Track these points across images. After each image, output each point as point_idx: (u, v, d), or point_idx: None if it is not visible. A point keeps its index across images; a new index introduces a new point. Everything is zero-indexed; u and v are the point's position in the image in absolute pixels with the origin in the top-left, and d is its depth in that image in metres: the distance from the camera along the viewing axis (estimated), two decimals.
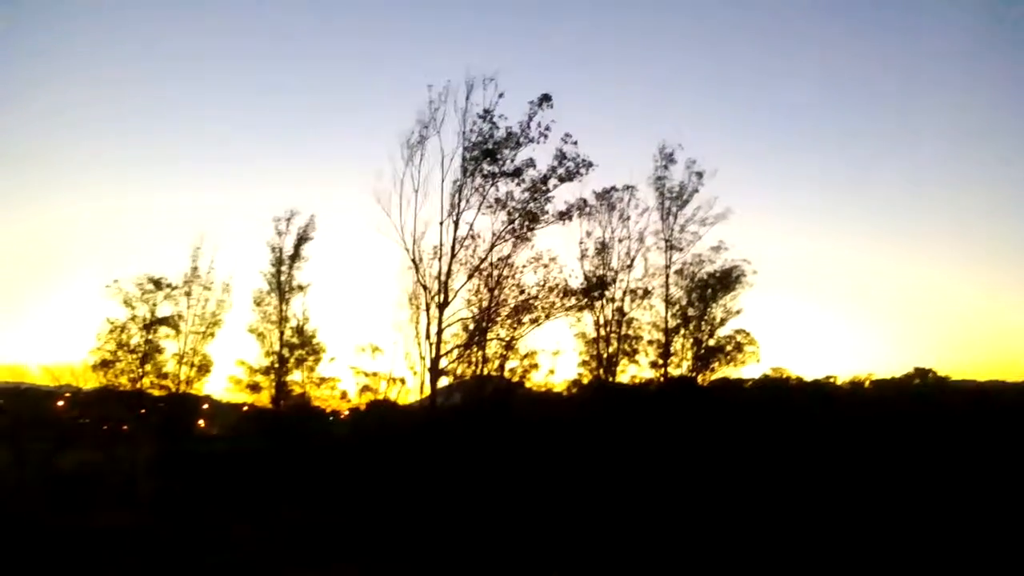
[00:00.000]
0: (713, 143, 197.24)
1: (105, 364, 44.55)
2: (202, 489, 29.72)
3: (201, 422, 61.64)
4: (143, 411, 47.54)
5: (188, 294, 45.81)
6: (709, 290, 44.94)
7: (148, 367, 45.06)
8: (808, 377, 79.89)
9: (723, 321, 45.80)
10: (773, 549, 18.57)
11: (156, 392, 46.40)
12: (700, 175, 43.65)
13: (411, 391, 41.97)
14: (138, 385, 45.31)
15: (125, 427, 47.78)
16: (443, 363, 34.83)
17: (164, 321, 45.24)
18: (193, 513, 23.47)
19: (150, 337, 45.02)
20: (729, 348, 45.97)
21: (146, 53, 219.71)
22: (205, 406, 62.86)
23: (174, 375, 45.83)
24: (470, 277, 35.24)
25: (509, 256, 35.47)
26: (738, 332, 46.26)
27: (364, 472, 34.18)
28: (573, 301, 37.71)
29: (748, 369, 50.01)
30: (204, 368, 46.36)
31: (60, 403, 59.87)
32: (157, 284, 45.14)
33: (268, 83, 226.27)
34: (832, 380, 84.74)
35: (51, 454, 44.82)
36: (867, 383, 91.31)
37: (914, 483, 31.35)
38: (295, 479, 32.27)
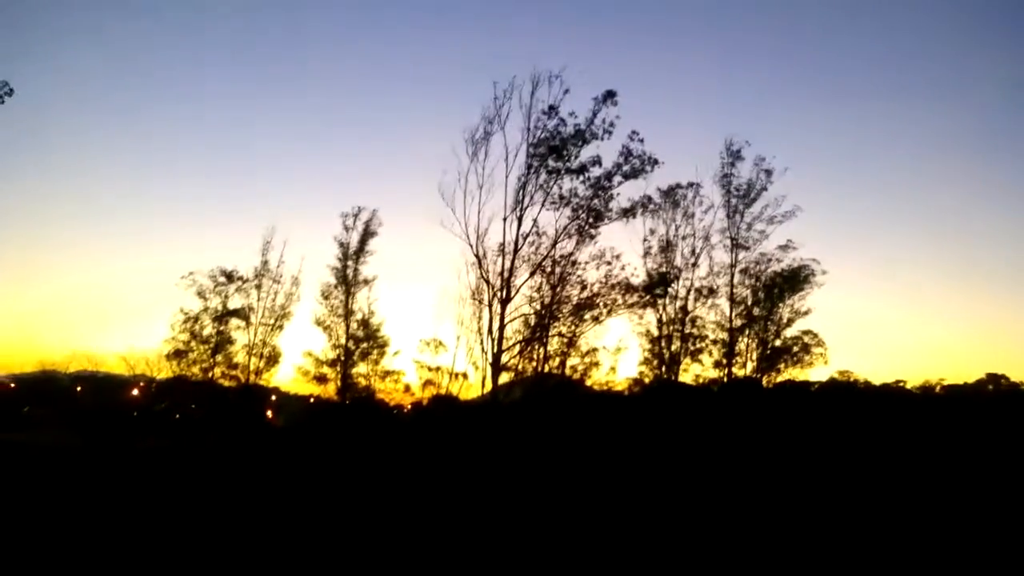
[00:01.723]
0: (784, 139, 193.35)
1: (178, 354, 46.14)
2: (267, 477, 30.50)
3: (268, 412, 63.22)
4: (214, 400, 49.06)
5: (259, 287, 47.21)
6: (776, 290, 43.94)
7: (219, 357, 46.47)
8: (876, 381, 77.88)
9: (790, 322, 44.77)
10: (835, 557, 18.20)
11: (226, 382, 47.80)
12: (769, 172, 42.66)
13: (472, 386, 42.28)
14: (209, 375, 46.72)
15: (197, 415, 49.38)
16: (504, 359, 34.88)
17: (235, 313, 46.63)
18: (256, 500, 24.08)
19: (221, 328, 46.44)
20: (796, 349, 44.93)
21: (221, 50, 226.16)
22: (273, 397, 64.48)
23: (244, 366, 47.13)
24: (532, 274, 35.18)
25: (572, 253, 35.35)
26: (805, 333, 45.14)
27: (426, 467, 34.63)
28: (635, 298, 37.42)
29: (815, 371, 48.85)
30: (273, 359, 47.60)
31: (135, 391, 62.14)
32: (229, 277, 46.57)
33: (336, 80, 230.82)
34: (902, 384, 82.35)
35: (126, 439, 46.74)
36: (938, 388, 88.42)
37: (992, 497, 30.29)
38: (361, 473, 32.81)
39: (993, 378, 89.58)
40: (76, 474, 29.39)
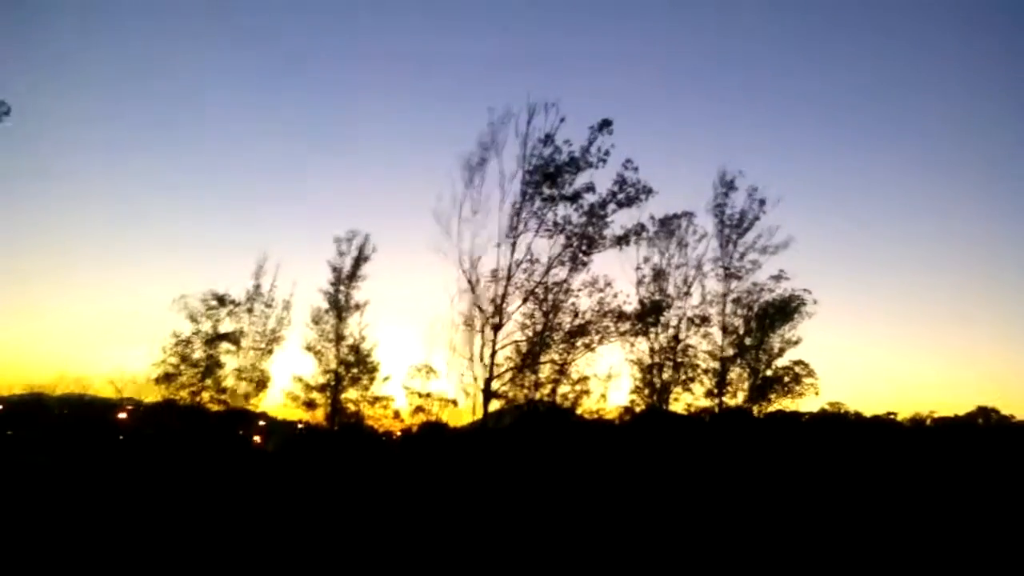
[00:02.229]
0: (778, 170, 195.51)
1: (168, 377, 45.58)
2: (254, 503, 30.20)
3: (257, 438, 62.63)
4: (201, 425, 48.55)
5: (250, 311, 46.80)
6: (767, 319, 43.98)
7: (208, 381, 45.90)
8: (867, 413, 77.97)
9: (781, 351, 44.57)
10: None
11: (214, 407, 47.27)
12: (762, 202, 42.89)
13: (463, 413, 42.08)
14: (198, 399, 46.20)
15: (185, 440, 48.82)
16: (495, 386, 34.68)
17: (226, 336, 46.21)
18: (243, 526, 23.79)
19: (212, 352, 45.99)
20: (787, 379, 44.72)
21: (212, 76, 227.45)
22: (261, 422, 63.91)
23: (232, 390, 46.61)
24: (525, 300, 35.12)
25: (565, 280, 35.33)
26: (796, 363, 44.94)
27: (415, 494, 34.38)
28: (628, 326, 37.35)
29: (806, 402, 48.74)
30: (262, 384, 47.05)
31: (122, 415, 61.57)
32: (221, 300, 46.20)
33: (332, 104, 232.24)
34: (893, 416, 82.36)
35: (112, 463, 46.26)
36: (929, 421, 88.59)
37: (982, 532, 30.21)
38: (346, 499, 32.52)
39: (983, 411, 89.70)
40: (60, 496, 29.05)
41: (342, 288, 45.74)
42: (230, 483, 37.52)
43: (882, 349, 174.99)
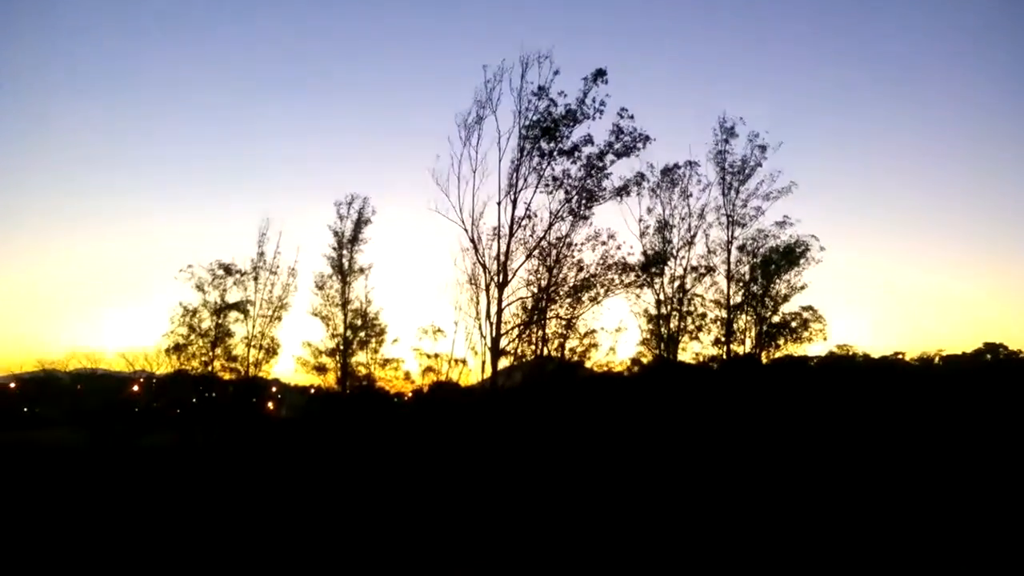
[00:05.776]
0: (780, 112, 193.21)
1: (178, 348, 46.03)
2: (270, 470, 30.60)
3: (270, 404, 63.12)
4: (214, 394, 49.02)
5: (256, 279, 46.98)
6: (773, 266, 43.82)
7: (219, 350, 46.32)
8: (875, 354, 78.06)
9: (787, 297, 44.55)
10: (837, 534, 18.25)
11: (226, 375, 47.70)
12: (763, 148, 42.43)
13: (472, 371, 42.27)
14: (209, 368, 46.60)
15: (198, 409, 49.36)
16: (503, 343, 34.77)
17: (234, 306, 46.44)
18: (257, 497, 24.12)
19: (220, 321, 46.29)
20: (794, 325, 44.79)
21: (207, 45, 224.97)
22: (273, 389, 64.35)
23: (243, 358, 46.98)
24: (528, 257, 35.04)
25: (567, 235, 35.20)
26: (805, 309, 44.98)
27: (428, 453, 34.76)
28: (632, 277, 37.26)
29: (813, 347, 48.74)
30: (272, 351, 47.40)
31: (135, 388, 62.10)
32: (227, 270, 46.38)
33: (328, 70, 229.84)
34: (900, 356, 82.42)
35: (129, 436, 46.87)
36: (936, 360, 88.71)
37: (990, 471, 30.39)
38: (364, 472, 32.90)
39: (991, 347, 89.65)
40: (84, 472, 29.48)
41: (345, 252, 45.77)
42: (249, 450, 37.98)
43: (887, 288, 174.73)
